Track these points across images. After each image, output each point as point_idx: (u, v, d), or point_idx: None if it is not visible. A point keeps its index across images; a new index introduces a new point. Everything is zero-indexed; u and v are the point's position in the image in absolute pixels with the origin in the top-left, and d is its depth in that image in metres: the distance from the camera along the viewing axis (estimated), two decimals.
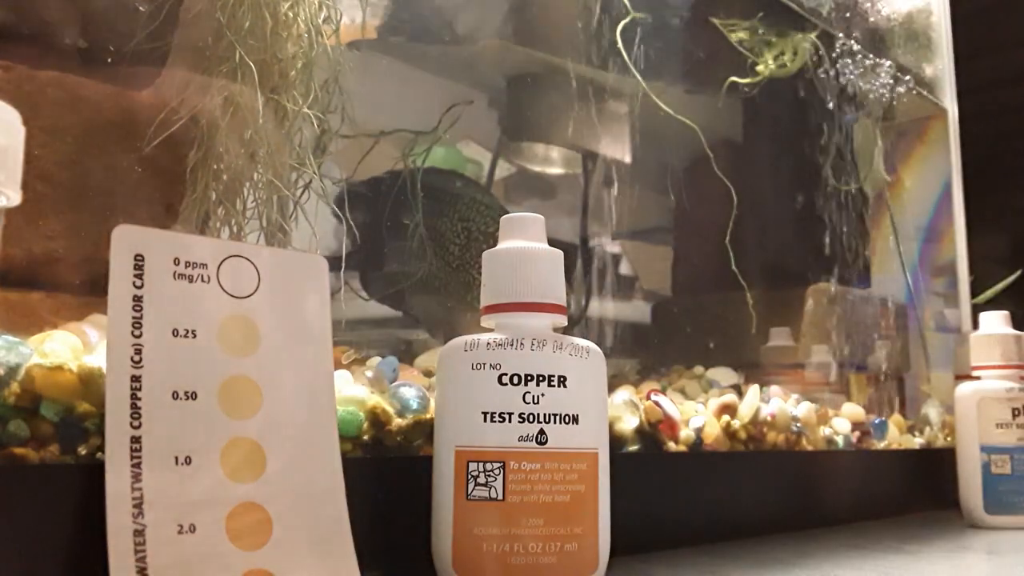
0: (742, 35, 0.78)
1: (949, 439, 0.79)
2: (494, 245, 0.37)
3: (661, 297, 0.90)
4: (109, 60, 0.41)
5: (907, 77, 0.92)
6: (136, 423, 0.28)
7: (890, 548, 0.53)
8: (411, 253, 0.57)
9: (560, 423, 0.34)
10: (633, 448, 0.49)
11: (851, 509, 0.66)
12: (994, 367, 0.66)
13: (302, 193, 0.41)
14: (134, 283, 0.30)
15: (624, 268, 0.89)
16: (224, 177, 0.40)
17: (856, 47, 0.86)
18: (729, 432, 0.56)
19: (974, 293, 1.00)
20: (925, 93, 0.96)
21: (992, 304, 0.94)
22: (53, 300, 0.38)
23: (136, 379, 0.29)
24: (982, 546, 0.56)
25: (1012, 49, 1.48)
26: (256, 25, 0.39)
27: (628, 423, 0.49)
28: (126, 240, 0.30)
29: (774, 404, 0.61)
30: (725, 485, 0.55)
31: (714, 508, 0.54)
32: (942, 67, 1.00)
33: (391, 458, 0.39)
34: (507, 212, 0.40)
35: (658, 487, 0.50)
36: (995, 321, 0.67)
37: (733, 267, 0.74)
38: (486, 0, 0.70)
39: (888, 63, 0.90)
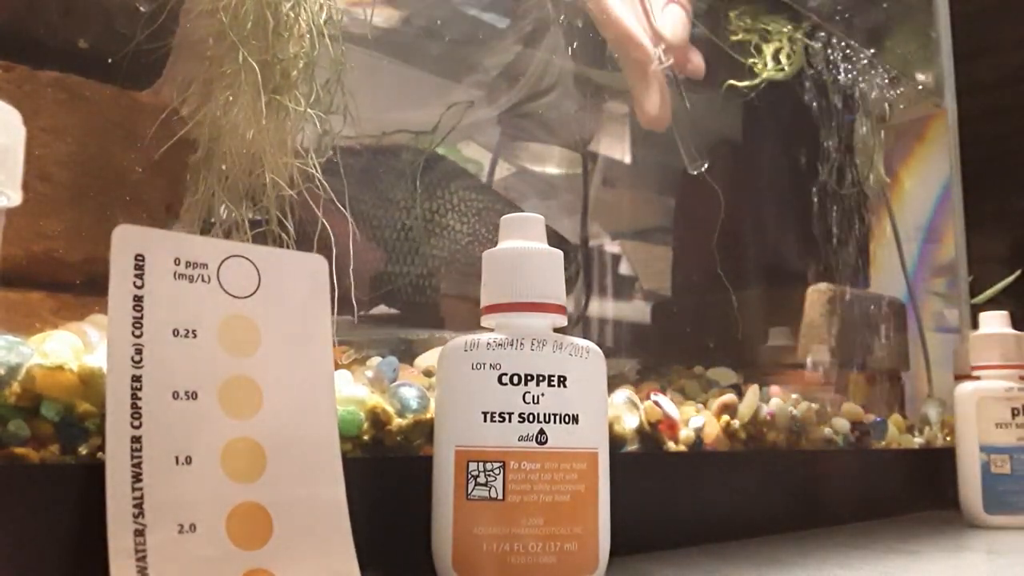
0: (740, 32, 0.77)
1: (949, 439, 0.79)
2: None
3: (661, 297, 0.90)
4: (110, 60, 0.41)
5: (895, 71, 0.92)
6: (136, 423, 0.28)
7: (890, 548, 0.53)
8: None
9: (560, 423, 0.34)
10: (633, 448, 0.49)
11: (851, 509, 0.66)
12: (994, 367, 0.66)
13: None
14: (134, 283, 0.30)
15: (624, 268, 0.89)
16: (226, 178, 0.40)
17: (854, 46, 0.86)
18: (729, 432, 0.56)
19: (974, 293, 1.00)
20: (921, 88, 0.96)
21: (992, 304, 0.94)
22: (53, 300, 0.38)
23: (136, 379, 0.29)
24: (982, 546, 0.56)
25: (1012, 49, 1.48)
26: (258, 25, 0.39)
27: (628, 423, 0.49)
28: (127, 240, 0.30)
29: (774, 404, 0.61)
30: (725, 485, 0.55)
31: (714, 508, 0.54)
32: (942, 67, 1.00)
33: (391, 458, 0.39)
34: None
35: (658, 487, 0.50)
36: (995, 321, 0.67)
37: (719, 270, 0.74)
38: None
39: (880, 60, 0.90)
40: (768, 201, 0.87)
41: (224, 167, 0.40)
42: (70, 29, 0.42)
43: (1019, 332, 0.66)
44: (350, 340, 0.46)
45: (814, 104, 0.84)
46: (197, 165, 0.40)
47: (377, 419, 0.38)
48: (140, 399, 0.29)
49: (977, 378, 0.67)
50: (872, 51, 0.89)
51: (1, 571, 0.27)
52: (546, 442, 0.34)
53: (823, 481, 0.64)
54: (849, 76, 0.87)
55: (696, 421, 0.53)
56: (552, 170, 0.81)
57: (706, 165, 0.65)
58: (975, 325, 0.71)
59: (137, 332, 0.29)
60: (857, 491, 0.68)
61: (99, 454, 0.30)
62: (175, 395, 0.30)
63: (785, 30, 0.79)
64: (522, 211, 0.47)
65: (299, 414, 0.32)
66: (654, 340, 0.86)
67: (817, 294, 0.82)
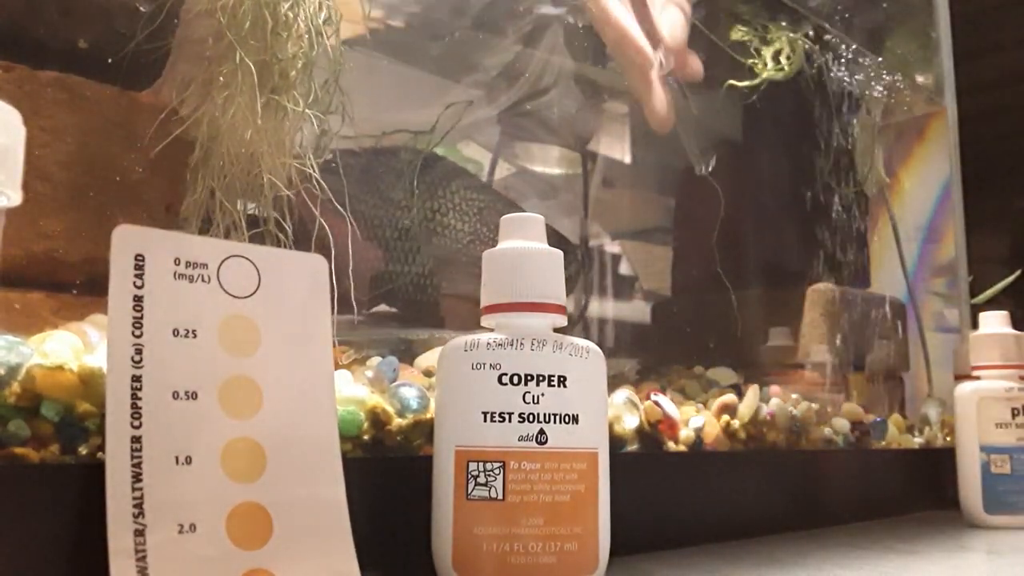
0: (741, 34, 0.77)
1: (949, 439, 0.79)
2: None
3: (661, 297, 0.90)
4: (110, 60, 0.41)
5: (898, 74, 0.92)
6: (136, 423, 0.28)
7: (890, 548, 0.53)
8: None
9: (560, 423, 0.34)
10: (633, 448, 0.49)
11: (851, 509, 0.66)
12: (994, 367, 0.66)
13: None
14: (134, 283, 0.30)
15: (624, 268, 0.89)
16: (224, 177, 0.40)
17: (854, 46, 0.86)
18: (729, 432, 0.56)
19: (974, 293, 1.00)
20: (921, 88, 0.96)
21: (992, 304, 0.94)
22: (53, 300, 0.38)
23: (136, 379, 0.29)
24: (982, 546, 0.56)
25: (1012, 49, 1.48)
26: (256, 25, 0.39)
27: (628, 423, 0.49)
28: (126, 240, 0.30)
29: (774, 404, 0.61)
30: (725, 485, 0.55)
31: (714, 508, 0.54)
32: (942, 67, 1.00)
33: (391, 458, 0.39)
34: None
35: (658, 487, 0.50)
36: (995, 321, 0.67)
37: (719, 270, 0.74)
38: None
39: (880, 59, 0.90)
40: (768, 201, 0.87)
41: (222, 167, 0.40)
42: (70, 29, 0.42)
43: (1019, 332, 0.66)
44: (350, 340, 0.46)
45: (814, 104, 0.84)
46: (196, 165, 0.40)
47: (377, 419, 0.38)
48: (140, 399, 0.29)
49: (977, 378, 0.67)
50: (872, 51, 0.89)
51: (1, 571, 0.27)
52: (546, 442, 0.34)
53: (823, 481, 0.64)
54: (849, 76, 0.87)
55: (696, 421, 0.53)
56: (552, 170, 0.81)
57: (713, 162, 0.65)
58: (975, 325, 0.71)
59: (137, 332, 0.29)
60: (857, 491, 0.68)
61: (99, 454, 0.30)
62: (175, 395, 0.30)
63: (781, 29, 0.79)
64: (522, 211, 0.47)
65: (299, 414, 0.32)
66: (654, 340, 0.86)
67: (817, 294, 0.82)
